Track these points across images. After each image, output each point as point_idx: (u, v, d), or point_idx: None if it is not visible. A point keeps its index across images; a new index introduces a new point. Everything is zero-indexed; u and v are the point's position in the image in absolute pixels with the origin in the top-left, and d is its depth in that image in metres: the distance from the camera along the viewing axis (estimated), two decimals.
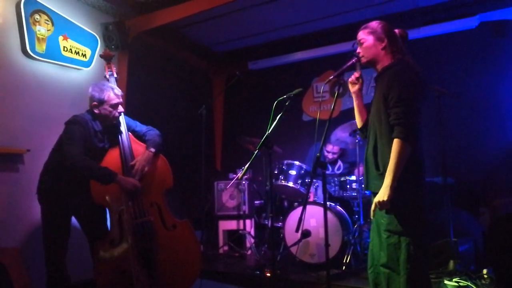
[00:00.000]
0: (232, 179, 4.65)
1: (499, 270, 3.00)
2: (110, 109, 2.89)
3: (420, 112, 2.17)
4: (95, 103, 2.87)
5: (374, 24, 2.35)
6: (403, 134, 2.09)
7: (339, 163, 4.68)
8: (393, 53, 2.31)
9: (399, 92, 2.14)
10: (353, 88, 2.50)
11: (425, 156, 2.27)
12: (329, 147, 4.54)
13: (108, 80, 3.22)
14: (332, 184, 4.14)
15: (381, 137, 2.23)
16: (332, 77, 2.42)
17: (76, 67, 3.96)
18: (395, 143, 2.11)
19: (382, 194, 2.10)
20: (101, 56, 3.42)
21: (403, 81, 2.17)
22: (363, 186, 3.86)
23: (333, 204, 3.89)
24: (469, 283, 2.96)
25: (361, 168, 3.99)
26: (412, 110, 2.13)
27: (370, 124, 2.37)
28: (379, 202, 2.12)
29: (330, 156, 4.62)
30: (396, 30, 2.38)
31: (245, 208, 4.60)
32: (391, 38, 2.32)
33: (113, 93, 2.91)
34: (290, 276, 3.47)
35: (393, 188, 2.09)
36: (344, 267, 3.54)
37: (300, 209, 3.74)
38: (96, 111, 2.89)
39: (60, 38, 3.78)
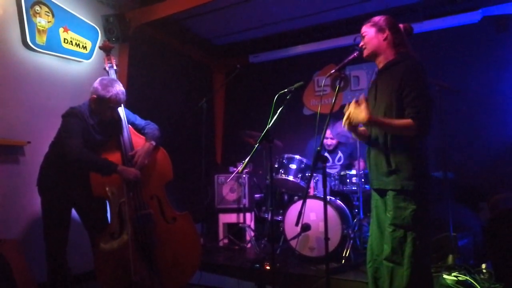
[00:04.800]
0: (232, 173, 4.65)
1: (498, 265, 3.01)
2: (105, 109, 2.82)
3: (434, 107, 2.19)
4: (94, 96, 2.80)
5: (377, 17, 2.34)
6: (421, 126, 2.10)
7: (339, 153, 4.66)
8: (396, 47, 2.29)
9: (417, 87, 2.14)
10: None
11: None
12: (327, 133, 4.51)
13: (107, 72, 3.20)
14: (332, 178, 4.14)
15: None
16: (333, 71, 2.41)
17: (77, 59, 3.95)
18: (410, 121, 2.10)
19: (366, 117, 2.13)
20: (100, 47, 3.40)
21: (420, 77, 2.16)
22: (363, 180, 3.87)
23: (333, 198, 3.90)
24: (468, 278, 2.97)
25: (361, 163, 3.99)
26: (431, 106, 2.14)
27: None
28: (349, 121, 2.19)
29: (328, 142, 4.60)
30: (401, 25, 2.36)
31: (245, 201, 4.61)
32: (393, 30, 2.30)
33: (117, 97, 2.80)
34: (290, 270, 3.48)
35: (374, 123, 2.17)
36: (343, 260, 3.56)
37: (300, 203, 3.74)
38: (92, 105, 2.85)
39: (61, 30, 3.77)
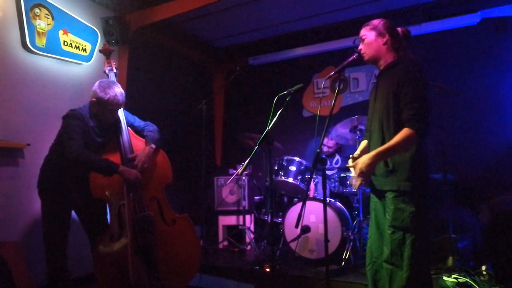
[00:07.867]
0: (232, 175, 4.65)
1: (497, 267, 3.01)
2: (105, 111, 2.84)
3: (432, 108, 2.18)
4: (93, 100, 2.82)
5: (376, 21, 2.35)
6: (420, 129, 2.10)
7: (337, 157, 4.67)
8: (396, 50, 2.30)
9: (414, 89, 2.14)
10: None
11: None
12: (325, 140, 4.53)
13: (107, 75, 3.20)
14: (332, 180, 4.14)
15: (390, 134, 2.22)
16: (333, 73, 2.42)
17: (76, 61, 3.95)
18: (407, 131, 2.10)
19: (366, 164, 2.14)
20: (100, 51, 3.40)
21: (416, 79, 2.17)
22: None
23: (333, 200, 3.90)
24: (467, 280, 2.97)
25: None
26: (427, 107, 2.14)
27: (374, 122, 2.34)
28: (361, 171, 2.16)
29: (325, 149, 4.62)
30: (399, 29, 2.37)
31: (245, 203, 4.61)
32: (392, 34, 2.31)
33: (116, 99, 2.81)
34: (289, 272, 3.48)
35: (376, 164, 2.16)
36: (343, 262, 3.55)
37: (299, 205, 3.74)
38: (93, 109, 2.87)
39: (60, 32, 3.77)
